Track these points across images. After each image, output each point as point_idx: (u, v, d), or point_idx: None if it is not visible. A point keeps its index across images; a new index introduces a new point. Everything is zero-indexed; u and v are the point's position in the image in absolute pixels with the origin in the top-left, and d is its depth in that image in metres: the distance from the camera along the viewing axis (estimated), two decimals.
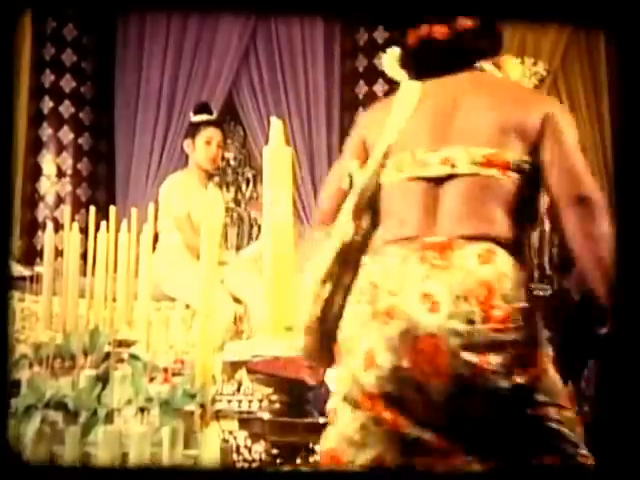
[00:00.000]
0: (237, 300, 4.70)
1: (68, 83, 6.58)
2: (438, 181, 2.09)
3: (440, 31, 2.19)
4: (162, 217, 4.82)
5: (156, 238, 4.42)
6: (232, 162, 7.07)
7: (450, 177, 2.08)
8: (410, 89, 2.20)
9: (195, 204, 4.80)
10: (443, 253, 2.03)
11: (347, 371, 2.07)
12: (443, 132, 2.12)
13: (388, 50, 2.39)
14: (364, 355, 2.02)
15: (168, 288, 4.78)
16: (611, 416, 1.86)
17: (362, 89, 6.66)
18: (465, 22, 2.19)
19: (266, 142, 2.90)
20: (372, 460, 2.01)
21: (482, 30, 2.22)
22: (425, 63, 2.23)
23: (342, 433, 2.06)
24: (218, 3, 2.48)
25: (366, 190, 2.15)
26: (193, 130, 4.98)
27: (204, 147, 4.93)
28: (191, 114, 5.09)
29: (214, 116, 5.14)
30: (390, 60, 2.38)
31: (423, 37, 2.21)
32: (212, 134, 4.97)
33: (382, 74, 7.10)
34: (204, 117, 5.02)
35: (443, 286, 1.99)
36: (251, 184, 7.07)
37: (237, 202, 7.08)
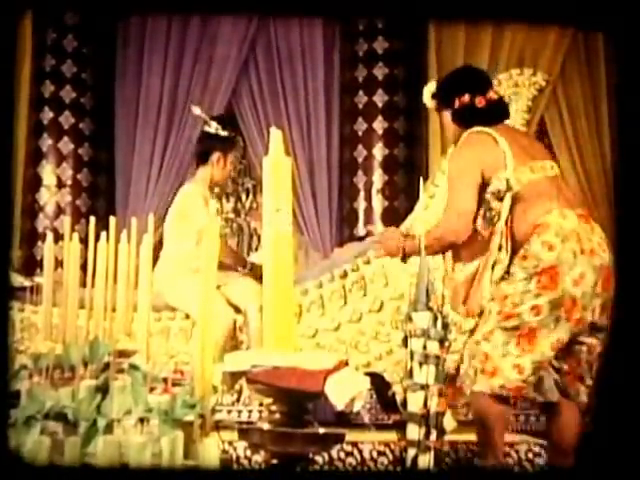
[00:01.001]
0: (237, 310, 4.69)
1: (68, 94, 6.59)
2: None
3: (479, 101, 3.51)
4: (175, 227, 4.79)
5: (156, 248, 4.40)
6: (232, 172, 7.06)
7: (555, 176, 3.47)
8: (490, 131, 3.44)
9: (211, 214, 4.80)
10: (588, 220, 3.32)
11: (560, 288, 3.21)
12: (537, 151, 3.52)
13: (428, 85, 3.71)
14: (577, 275, 3.20)
15: (172, 298, 4.76)
16: (609, 425, 1.86)
17: (362, 99, 6.66)
18: (493, 96, 3.56)
19: (266, 152, 2.90)
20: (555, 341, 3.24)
21: (501, 102, 3.63)
22: (471, 120, 3.51)
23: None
24: (216, 6, 2.48)
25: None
26: (224, 145, 4.91)
27: (230, 166, 4.97)
28: (216, 124, 4.96)
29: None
30: (427, 93, 3.67)
31: (467, 103, 3.52)
32: (235, 153, 5.05)
33: (381, 84, 7.14)
34: (231, 133, 4.98)
35: (601, 238, 3.28)
36: (251, 194, 7.08)
37: (237, 212, 7.08)
